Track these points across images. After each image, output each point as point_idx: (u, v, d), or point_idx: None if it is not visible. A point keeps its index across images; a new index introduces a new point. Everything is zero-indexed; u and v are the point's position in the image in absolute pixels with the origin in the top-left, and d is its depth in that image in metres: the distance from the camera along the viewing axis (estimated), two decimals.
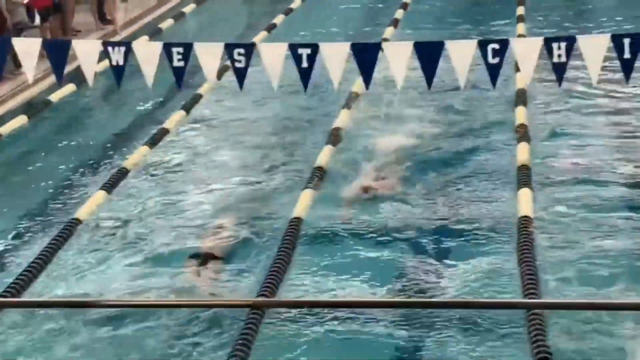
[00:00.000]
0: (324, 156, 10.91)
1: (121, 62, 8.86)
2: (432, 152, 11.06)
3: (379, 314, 7.58)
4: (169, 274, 8.65)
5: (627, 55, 8.00)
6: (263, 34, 17.18)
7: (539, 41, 8.37)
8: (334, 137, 11.56)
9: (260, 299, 7.85)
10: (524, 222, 9.01)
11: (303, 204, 9.71)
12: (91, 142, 12.22)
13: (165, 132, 12.05)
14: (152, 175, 10.91)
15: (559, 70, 8.29)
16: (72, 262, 8.93)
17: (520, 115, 11.83)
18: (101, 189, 10.36)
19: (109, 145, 12.10)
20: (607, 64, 7.64)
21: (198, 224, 9.63)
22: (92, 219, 9.74)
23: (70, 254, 9.08)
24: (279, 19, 18.53)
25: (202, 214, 9.85)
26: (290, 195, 10.11)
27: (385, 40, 15.83)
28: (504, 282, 8.14)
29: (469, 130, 11.81)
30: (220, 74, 12.47)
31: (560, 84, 8.52)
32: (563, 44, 8.21)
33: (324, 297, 7.85)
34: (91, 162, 11.49)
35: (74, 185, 10.80)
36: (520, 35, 15.63)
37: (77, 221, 9.63)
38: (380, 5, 20.25)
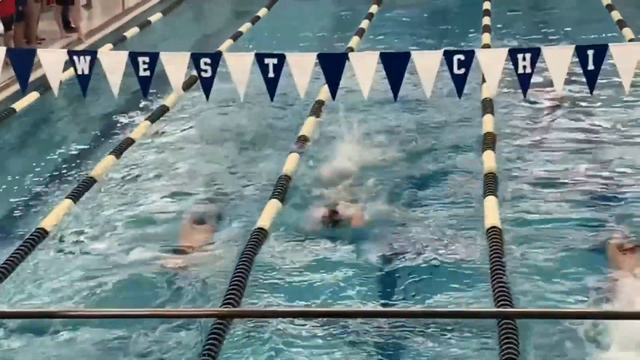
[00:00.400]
0: (290, 165, 10.89)
1: (87, 71, 8.82)
2: (397, 167, 10.99)
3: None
4: (134, 283, 8.60)
5: (590, 66, 8.08)
6: (229, 42, 17.13)
7: (503, 52, 8.43)
8: (300, 145, 11.55)
9: (225, 308, 7.82)
10: (493, 232, 9.02)
11: (268, 213, 9.68)
12: (56, 151, 12.13)
13: (131, 141, 11.98)
14: (118, 184, 10.84)
15: (524, 80, 8.36)
16: (36, 271, 8.85)
17: (487, 124, 11.86)
18: (67, 198, 10.28)
19: (74, 154, 12.01)
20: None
21: (164, 233, 9.57)
22: (58, 228, 9.66)
23: (35, 263, 8.99)
24: (245, 27, 18.50)
25: (169, 224, 9.79)
26: (256, 204, 10.07)
27: (351, 49, 15.85)
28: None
29: (437, 142, 11.81)
30: (187, 85, 12.48)
31: (525, 95, 8.59)
32: (528, 55, 8.28)
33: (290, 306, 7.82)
34: (56, 171, 11.40)
35: (39, 194, 10.71)
36: (485, 46, 15.71)
37: (43, 231, 9.55)
38: (346, 15, 20.31)
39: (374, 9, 19.66)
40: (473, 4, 20.03)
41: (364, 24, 18.16)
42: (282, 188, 10.27)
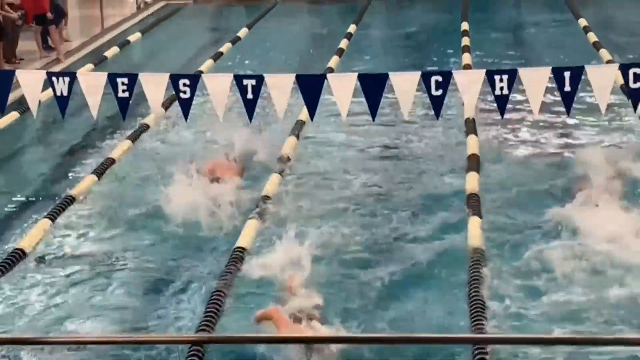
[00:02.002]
0: (271, 185, 10.89)
1: (65, 93, 8.82)
2: (375, 193, 11.00)
3: None
4: (112, 304, 8.59)
5: (567, 88, 8.15)
6: (209, 62, 17.16)
7: (481, 73, 8.49)
8: (281, 164, 11.55)
9: (200, 334, 7.78)
10: (475, 255, 9.04)
11: (248, 234, 9.67)
12: (36, 171, 12.10)
13: (112, 161, 11.96)
14: (98, 204, 10.80)
15: (501, 101, 8.43)
16: (13, 293, 8.82)
17: (472, 144, 11.89)
18: (45, 217, 10.25)
19: (54, 174, 11.98)
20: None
21: (143, 253, 9.55)
22: (36, 248, 9.63)
23: (12, 284, 8.96)
24: (225, 48, 18.54)
25: (147, 244, 9.78)
26: (236, 223, 10.07)
27: (330, 69, 15.91)
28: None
29: (417, 164, 11.85)
30: (167, 105, 12.48)
31: (502, 116, 8.65)
32: (505, 77, 8.34)
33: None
34: (36, 191, 11.37)
35: (18, 214, 10.67)
36: (466, 66, 15.80)
37: (21, 251, 9.52)
38: (325, 34, 20.40)
39: (352, 28, 19.75)
40: (452, 24, 20.21)
41: (343, 43, 18.23)
42: (263, 209, 10.27)
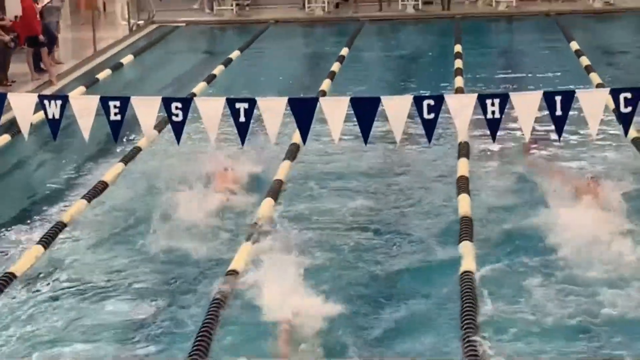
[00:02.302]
0: (265, 209, 10.86)
1: (57, 116, 8.82)
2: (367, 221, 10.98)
3: None
4: (102, 327, 8.55)
5: (558, 112, 8.18)
6: (202, 85, 17.18)
7: (472, 97, 8.52)
8: (274, 189, 11.52)
9: None
10: (466, 278, 9.02)
11: (242, 257, 9.63)
12: (27, 195, 12.06)
13: (104, 185, 11.93)
14: (91, 228, 10.76)
15: (493, 125, 8.45)
16: (4, 317, 8.78)
17: (462, 167, 11.89)
18: (38, 243, 10.20)
19: (45, 198, 11.94)
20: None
21: (134, 278, 9.51)
22: (28, 273, 9.59)
23: (3, 309, 8.92)
24: (218, 70, 18.57)
25: (140, 269, 9.72)
26: (229, 247, 10.04)
27: (323, 92, 15.93)
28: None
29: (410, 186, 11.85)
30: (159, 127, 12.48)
31: (494, 140, 8.67)
32: (496, 100, 8.37)
33: None
34: (27, 215, 11.32)
35: (8, 238, 10.62)
36: (458, 89, 15.84)
37: (12, 276, 9.47)
38: (318, 57, 20.47)
39: (344, 51, 19.80)
40: (445, 46, 20.30)
41: (336, 66, 18.27)
42: (254, 231, 10.25)
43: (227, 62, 19.36)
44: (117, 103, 8.82)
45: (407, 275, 9.38)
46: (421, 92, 15.72)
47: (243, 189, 11.60)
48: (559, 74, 17.33)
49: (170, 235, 10.30)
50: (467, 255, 9.46)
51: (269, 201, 11.08)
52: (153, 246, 10.11)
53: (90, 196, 11.49)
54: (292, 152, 12.69)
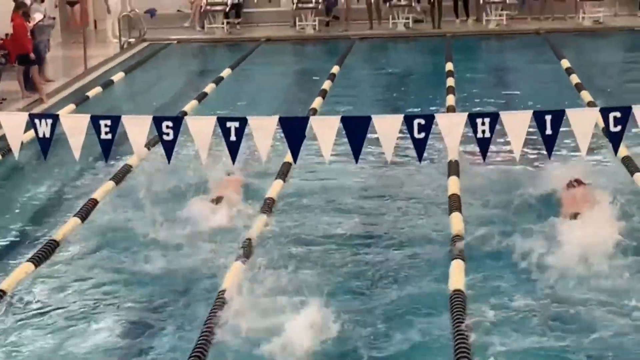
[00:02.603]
0: (256, 229, 10.84)
1: (48, 134, 8.81)
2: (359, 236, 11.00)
3: None
4: (93, 348, 8.53)
5: (548, 131, 8.20)
6: (194, 103, 17.18)
7: (463, 116, 8.54)
8: (267, 206, 11.50)
9: None
10: (457, 296, 9.01)
11: (232, 275, 9.60)
12: (18, 214, 12.02)
13: (94, 202, 11.91)
14: (83, 247, 10.72)
15: (483, 144, 8.46)
16: None
17: (453, 185, 11.88)
18: (29, 261, 10.17)
19: (36, 216, 11.92)
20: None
21: (126, 297, 9.48)
22: (18, 291, 9.56)
23: None
24: (209, 88, 18.58)
25: (132, 288, 9.69)
26: (220, 266, 10.01)
27: (314, 110, 15.95)
28: None
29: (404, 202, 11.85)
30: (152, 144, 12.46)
31: (484, 159, 8.67)
32: (487, 120, 8.38)
33: None
34: (18, 233, 11.29)
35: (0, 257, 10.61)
36: (450, 107, 15.87)
37: (2, 292, 9.44)
38: (308, 75, 20.51)
39: (335, 69, 19.85)
40: (436, 65, 20.37)
41: (327, 84, 18.30)
42: (247, 249, 10.23)
43: (218, 80, 19.38)
44: (108, 122, 8.81)
45: (397, 291, 9.37)
46: (413, 110, 15.77)
47: (240, 201, 11.59)
48: (549, 92, 17.37)
49: (162, 252, 10.29)
50: (458, 273, 9.45)
51: (261, 219, 11.06)
52: (145, 264, 10.08)
53: (83, 214, 11.48)
54: (284, 171, 12.67)
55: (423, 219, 11.22)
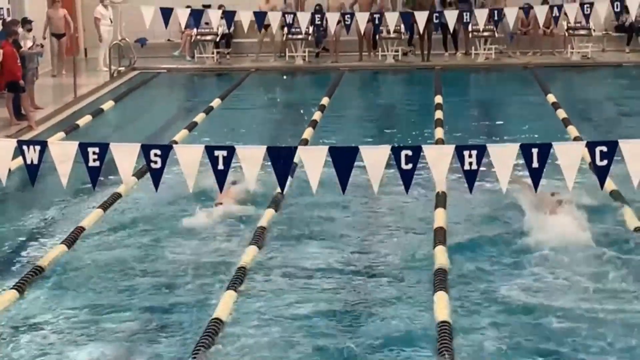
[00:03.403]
0: (248, 257, 10.84)
1: (36, 161, 8.85)
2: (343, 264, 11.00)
3: None
4: None
5: (535, 164, 8.27)
6: (184, 132, 17.20)
7: (450, 148, 8.61)
8: (258, 237, 11.49)
9: None
10: (443, 328, 9.00)
11: (225, 304, 9.58)
12: (4, 240, 11.99)
13: (81, 230, 11.89)
14: (68, 274, 10.68)
15: (470, 177, 8.53)
16: None
17: (439, 218, 11.90)
18: (12, 288, 10.13)
19: (23, 243, 11.88)
20: None
21: (112, 327, 9.43)
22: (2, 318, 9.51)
23: None
24: (199, 118, 18.61)
25: (117, 316, 9.65)
26: (210, 294, 9.99)
27: (305, 141, 15.99)
28: None
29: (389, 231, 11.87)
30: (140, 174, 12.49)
31: (471, 191, 8.73)
32: (474, 152, 8.45)
33: None
34: (4, 260, 11.25)
35: None
36: (438, 140, 15.94)
37: None
38: (298, 106, 20.57)
39: (325, 100, 19.91)
40: (425, 97, 20.46)
41: (317, 115, 18.35)
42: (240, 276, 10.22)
43: (209, 110, 19.42)
44: (96, 149, 8.87)
45: (381, 322, 9.37)
46: (402, 142, 15.81)
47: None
48: (537, 126, 17.44)
49: (151, 278, 10.28)
50: (443, 305, 9.46)
51: (252, 249, 11.07)
52: (134, 291, 10.06)
53: (70, 242, 11.46)
54: (277, 201, 12.68)
55: (409, 250, 11.22)
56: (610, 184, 11.97)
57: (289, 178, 9.51)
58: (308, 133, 16.69)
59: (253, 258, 10.80)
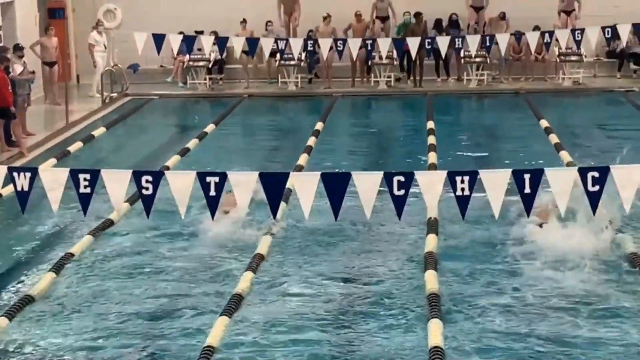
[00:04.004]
0: (244, 283, 10.77)
1: (26, 188, 8.81)
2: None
3: None
4: None
5: (527, 190, 8.25)
6: (176, 158, 17.17)
7: (442, 174, 8.59)
8: (254, 264, 11.42)
9: None
10: (435, 354, 8.94)
11: (217, 330, 9.51)
12: None
13: (70, 256, 11.83)
14: (59, 303, 10.61)
15: (462, 203, 8.51)
16: None
17: (430, 244, 11.86)
18: (3, 315, 10.05)
19: (12, 270, 11.82)
20: None
21: (103, 355, 9.35)
22: None
23: None
24: (192, 143, 18.59)
25: (108, 344, 9.58)
26: (203, 322, 9.92)
27: (300, 167, 15.96)
28: None
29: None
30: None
31: (463, 217, 8.70)
32: (466, 178, 8.44)
33: None
34: None
35: None
36: (431, 165, 15.93)
37: None
38: (291, 132, 20.57)
39: (319, 125, 19.92)
40: (417, 122, 20.49)
41: (311, 141, 18.34)
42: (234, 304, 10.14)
43: (202, 136, 19.40)
44: (87, 176, 8.84)
45: (374, 348, 9.32)
46: (395, 167, 15.80)
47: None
48: (529, 152, 17.46)
49: (141, 306, 10.21)
50: (436, 332, 9.42)
51: (248, 274, 11.01)
52: (124, 318, 10.00)
53: (57, 268, 11.38)
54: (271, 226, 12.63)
55: (401, 276, 11.18)
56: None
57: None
58: (303, 159, 16.66)
59: (249, 284, 10.75)
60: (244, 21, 25.17)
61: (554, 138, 18.02)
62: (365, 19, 25.66)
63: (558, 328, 9.50)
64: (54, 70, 23.22)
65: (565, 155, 16.43)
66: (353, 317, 10.11)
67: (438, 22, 25.91)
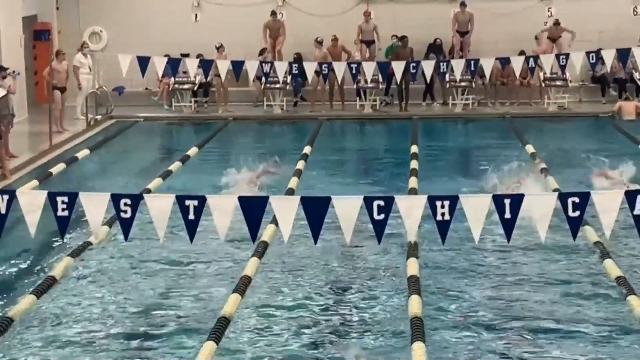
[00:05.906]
0: (230, 306, 10.69)
1: (3, 211, 8.74)
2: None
3: None
4: None
5: (507, 215, 8.23)
6: (158, 180, 17.09)
7: (422, 198, 8.56)
8: (242, 285, 11.35)
9: None
10: None
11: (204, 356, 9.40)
12: None
13: (52, 280, 11.74)
14: (39, 325, 10.51)
15: (442, 227, 8.48)
16: None
17: (412, 268, 11.82)
18: None
19: None
20: None
21: None
22: None
23: None
24: (175, 166, 18.52)
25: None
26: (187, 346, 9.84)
27: (292, 190, 15.90)
28: None
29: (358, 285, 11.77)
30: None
31: (443, 242, 8.67)
32: (446, 202, 8.41)
33: None
34: None
35: None
36: (411, 189, 15.90)
37: None
38: (276, 155, 20.54)
39: (307, 149, 19.88)
40: (402, 146, 20.50)
41: (300, 164, 18.30)
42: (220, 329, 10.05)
43: (185, 159, 19.34)
44: (65, 199, 8.78)
45: None
46: (378, 191, 15.79)
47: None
48: (514, 176, 17.42)
49: (120, 330, 10.12)
50: (419, 355, 9.36)
51: (235, 297, 10.92)
52: (105, 343, 9.92)
53: (39, 291, 11.29)
54: (261, 250, 12.57)
55: (382, 302, 11.12)
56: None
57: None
58: (294, 182, 16.60)
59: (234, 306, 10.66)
60: (221, 46, 25.14)
61: (539, 163, 18.00)
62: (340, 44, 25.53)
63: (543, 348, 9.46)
64: (65, 96, 23.00)
65: (552, 182, 16.41)
66: (332, 340, 10.05)
67: (430, 47, 25.95)
